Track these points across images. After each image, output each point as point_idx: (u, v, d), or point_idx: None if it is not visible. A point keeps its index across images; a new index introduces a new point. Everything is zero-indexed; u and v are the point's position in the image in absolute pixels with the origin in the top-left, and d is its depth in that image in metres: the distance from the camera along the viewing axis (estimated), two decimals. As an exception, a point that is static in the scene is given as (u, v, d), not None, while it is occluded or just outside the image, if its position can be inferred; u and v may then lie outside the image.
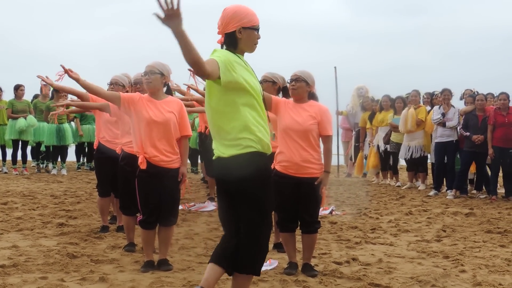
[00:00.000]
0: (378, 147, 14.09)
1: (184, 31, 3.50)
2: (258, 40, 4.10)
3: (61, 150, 15.26)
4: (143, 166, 5.53)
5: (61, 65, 5.72)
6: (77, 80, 5.71)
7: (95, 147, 7.48)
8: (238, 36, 4.02)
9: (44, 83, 6.12)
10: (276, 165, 5.55)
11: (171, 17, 3.44)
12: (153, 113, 5.54)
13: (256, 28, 4.04)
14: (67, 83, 6.09)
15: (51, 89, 13.79)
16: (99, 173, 7.50)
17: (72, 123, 15.55)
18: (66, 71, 5.71)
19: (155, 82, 5.62)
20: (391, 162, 14.08)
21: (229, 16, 4.02)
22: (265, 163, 4.12)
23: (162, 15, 3.44)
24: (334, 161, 16.42)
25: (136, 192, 5.67)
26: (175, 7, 3.41)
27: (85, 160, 16.97)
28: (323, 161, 5.62)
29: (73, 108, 7.62)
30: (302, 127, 5.41)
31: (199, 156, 14.40)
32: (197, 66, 3.63)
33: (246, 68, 4.04)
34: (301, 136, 5.41)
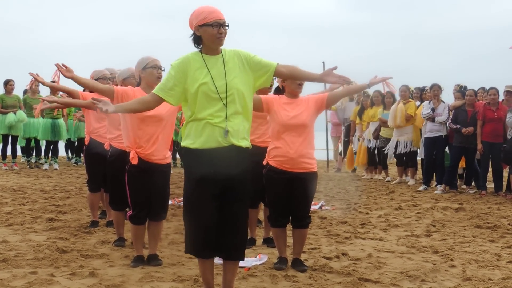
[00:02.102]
0: (368, 141, 14.12)
1: (116, 108, 4.31)
2: (222, 33, 4.15)
3: (54, 145, 15.23)
4: (134, 161, 5.49)
5: (55, 64, 5.68)
6: (72, 78, 5.71)
7: (86, 143, 7.43)
8: (198, 34, 4.20)
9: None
10: (270, 160, 5.55)
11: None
12: None
13: (211, 24, 4.11)
14: (63, 81, 6.09)
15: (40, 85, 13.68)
16: (90, 168, 7.46)
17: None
18: (61, 71, 5.67)
19: None
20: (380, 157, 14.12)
21: (190, 18, 4.23)
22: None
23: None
24: (323, 156, 16.49)
25: (126, 187, 5.65)
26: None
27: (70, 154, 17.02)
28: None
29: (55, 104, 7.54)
30: (298, 121, 5.43)
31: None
32: (148, 109, 4.38)
33: (207, 67, 4.17)
34: (297, 130, 5.42)
